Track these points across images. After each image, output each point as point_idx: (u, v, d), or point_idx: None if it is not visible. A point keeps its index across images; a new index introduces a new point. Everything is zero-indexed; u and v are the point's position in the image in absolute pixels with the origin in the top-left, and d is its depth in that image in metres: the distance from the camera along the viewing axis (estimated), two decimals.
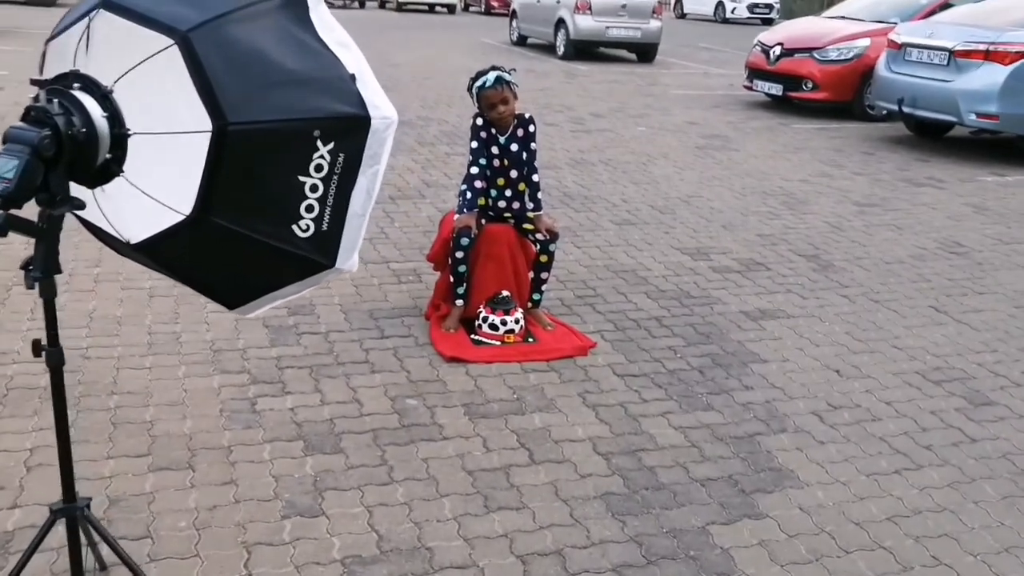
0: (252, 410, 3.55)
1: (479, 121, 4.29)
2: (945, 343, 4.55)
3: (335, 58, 2.13)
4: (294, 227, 2.12)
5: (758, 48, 12.41)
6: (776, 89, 11.95)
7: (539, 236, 4.35)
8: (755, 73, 12.35)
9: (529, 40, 19.88)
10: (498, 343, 4.22)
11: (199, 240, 2.06)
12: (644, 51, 17.72)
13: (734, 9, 32.18)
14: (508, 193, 4.39)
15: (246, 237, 2.07)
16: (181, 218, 2.01)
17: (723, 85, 14.62)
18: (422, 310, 4.58)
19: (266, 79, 2.01)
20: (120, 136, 1.94)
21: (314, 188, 2.10)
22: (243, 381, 3.77)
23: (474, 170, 4.26)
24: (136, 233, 2.08)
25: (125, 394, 3.62)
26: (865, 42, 11.21)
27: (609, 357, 4.17)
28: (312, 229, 2.14)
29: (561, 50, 17.35)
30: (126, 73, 1.94)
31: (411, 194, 6.83)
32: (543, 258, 4.39)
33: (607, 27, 16.90)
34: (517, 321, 4.28)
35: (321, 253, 2.19)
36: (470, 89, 4.26)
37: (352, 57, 2.16)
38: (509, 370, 4.00)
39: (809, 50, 11.59)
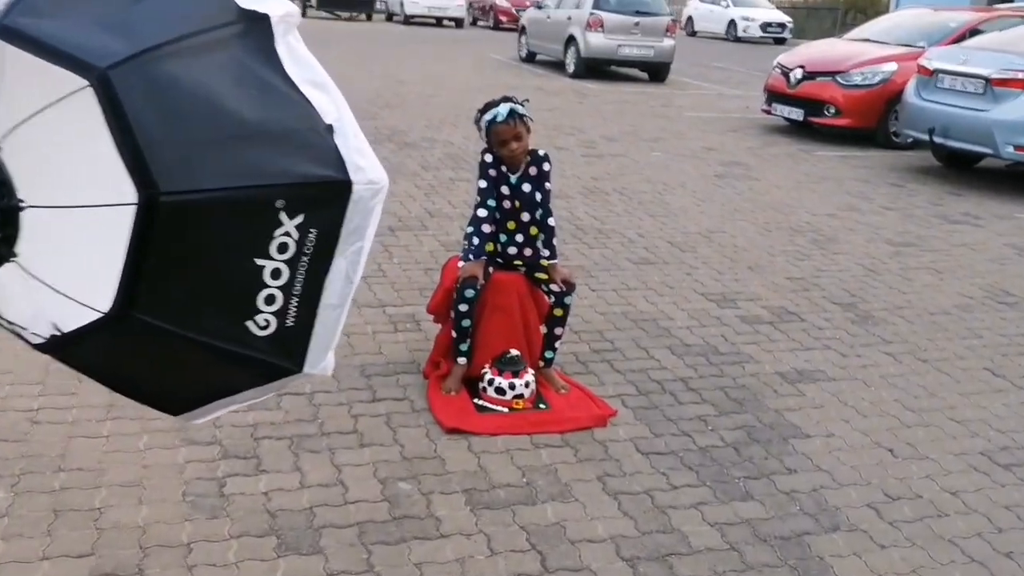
0: (220, 493, 3.06)
1: (488, 158, 3.81)
2: (1008, 415, 4.04)
3: (307, 104, 1.64)
4: (249, 324, 1.63)
5: (778, 70, 11.94)
6: (796, 114, 11.47)
7: (553, 287, 3.86)
8: (774, 96, 11.88)
9: (538, 57, 19.43)
10: (505, 410, 3.73)
11: (122, 343, 1.57)
12: (656, 70, 17.26)
13: (746, 28, 31.71)
14: (519, 238, 3.90)
15: (184, 338, 1.58)
16: (97, 317, 1.52)
17: (739, 107, 14.15)
18: (420, 366, 4.09)
19: (214, 133, 1.52)
20: (9, 210, 1.45)
21: (276, 274, 1.61)
22: (212, 455, 3.27)
23: (482, 212, 3.77)
24: (40, 330, 1.58)
25: (74, 471, 3.13)
26: (892, 67, 10.73)
27: (631, 429, 3.67)
28: (273, 326, 1.65)
29: (571, 68, 16.90)
30: (20, 124, 1.45)
31: (412, 225, 6.35)
32: (557, 312, 3.90)
33: (619, 45, 16.45)
34: (527, 384, 3.78)
35: (284, 355, 1.70)
36: (478, 122, 3.78)
37: (330, 102, 1.67)
38: (518, 444, 3.50)
39: (832, 74, 11.11)
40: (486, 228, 3.78)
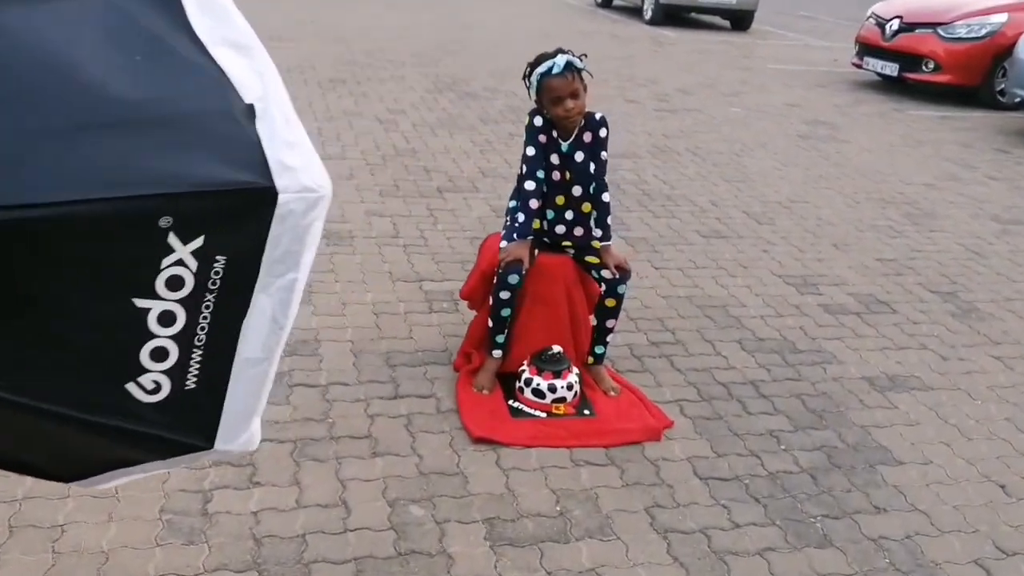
0: (203, 511, 2.62)
1: (537, 121, 3.26)
2: None
3: (220, 75, 1.12)
4: (131, 387, 1.15)
5: (872, 21, 11.02)
6: (891, 69, 10.57)
7: (605, 274, 3.32)
8: (867, 49, 10.98)
9: (615, 2, 18.55)
10: (543, 415, 3.22)
11: None
12: (739, 18, 16.28)
13: None
14: (569, 216, 3.36)
15: (28, 408, 1.09)
16: None
17: (826, 60, 13.22)
18: (452, 356, 3.60)
19: (63, 119, 1.03)
20: None
21: (168, 319, 1.13)
22: (203, 462, 2.83)
23: (529, 184, 3.24)
24: None
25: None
26: (1001, 17, 9.77)
27: (689, 446, 3.14)
28: (166, 389, 1.17)
29: (648, 14, 16.02)
30: None
31: (463, 186, 5.83)
32: (609, 302, 3.36)
33: None
34: (570, 387, 3.27)
35: (185, 428, 1.21)
36: (527, 77, 3.23)
37: (254, 72, 1.15)
38: (554, 459, 3.00)
39: (933, 25, 10.18)
40: (534, 203, 3.25)
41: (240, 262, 1.15)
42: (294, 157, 1.16)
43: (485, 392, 3.33)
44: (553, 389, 3.24)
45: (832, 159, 7.40)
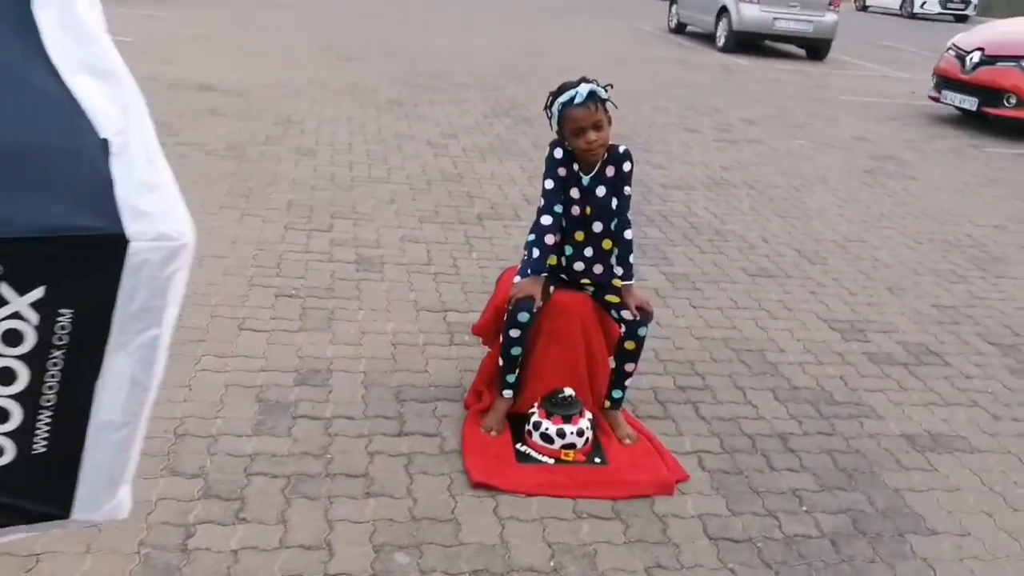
0: (183, 547, 2.53)
1: (557, 153, 3.13)
2: None
3: (73, 104, 1.02)
4: None
5: (951, 52, 10.64)
6: (970, 103, 10.17)
7: (625, 315, 3.16)
8: (945, 82, 10.59)
9: (688, 28, 18.35)
10: (551, 461, 3.07)
11: None
12: (815, 47, 15.93)
13: (924, 3, 29.38)
14: (588, 253, 3.21)
15: None
16: None
17: (903, 92, 12.82)
18: (465, 392, 3.47)
19: None
20: None
21: (6, 376, 1.01)
22: (192, 492, 2.75)
23: (545, 219, 3.11)
24: None
25: None
26: None
27: (703, 502, 2.95)
28: (10, 453, 1.06)
29: (721, 41, 15.79)
30: None
31: (504, 213, 5.72)
32: (628, 345, 3.20)
33: (775, 18, 15.22)
34: (581, 432, 3.11)
35: (37, 495, 1.10)
36: (548, 108, 3.10)
37: (115, 102, 1.04)
38: (556, 509, 2.84)
39: (1016, 59, 9.78)
40: (549, 239, 3.12)
41: (89, 317, 1.04)
42: (152, 201, 1.06)
43: (493, 434, 3.20)
44: (562, 434, 3.09)
45: (897, 196, 7.10)
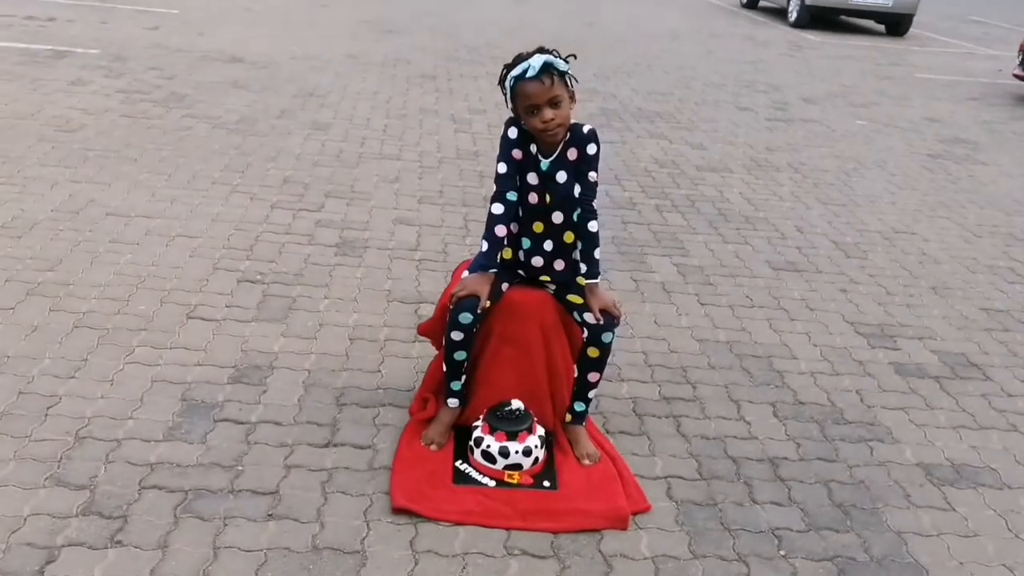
0: (38, 573, 2.21)
1: (512, 133, 2.72)
2: None
3: None
4: None
5: None
6: None
7: (588, 318, 2.74)
8: None
9: (761, 3, 17.55)
10: (491, 483, 2.68)
11: None
12: (895, 22, 15.02)
13: None
14: (548, 246, 2.79)
15: None
16: None
17: (988, 71, 11.96)
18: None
19: None
20: None
21: None
22: (71, 507, 2.44)
23: (497, 208, 2.70)
24: None
25: None
26: None
27: (662, 540, 2.53)
28: None
29: (793, 16, 15.01)
30: None
31: None
32: (592, 352, 2.77)
33: None
34: (528, 452, 2.71)
35: None
36: (503, 82, 2.68)
37: None
38: (485, 542, 2.45)
39: None
40: (500, 230, 2.71)
41: None
42: None
43: (433, 447, 2.81)
44: (505, 453, 2.69)
45: (960, 183, 6.48)
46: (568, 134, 2.70)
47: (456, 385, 2.85)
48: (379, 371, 3.27)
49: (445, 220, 4.79)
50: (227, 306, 3.63)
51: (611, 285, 4.17)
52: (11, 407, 2.84)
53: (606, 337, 2.75)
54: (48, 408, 2.84)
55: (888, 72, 11.26)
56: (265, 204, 4.78)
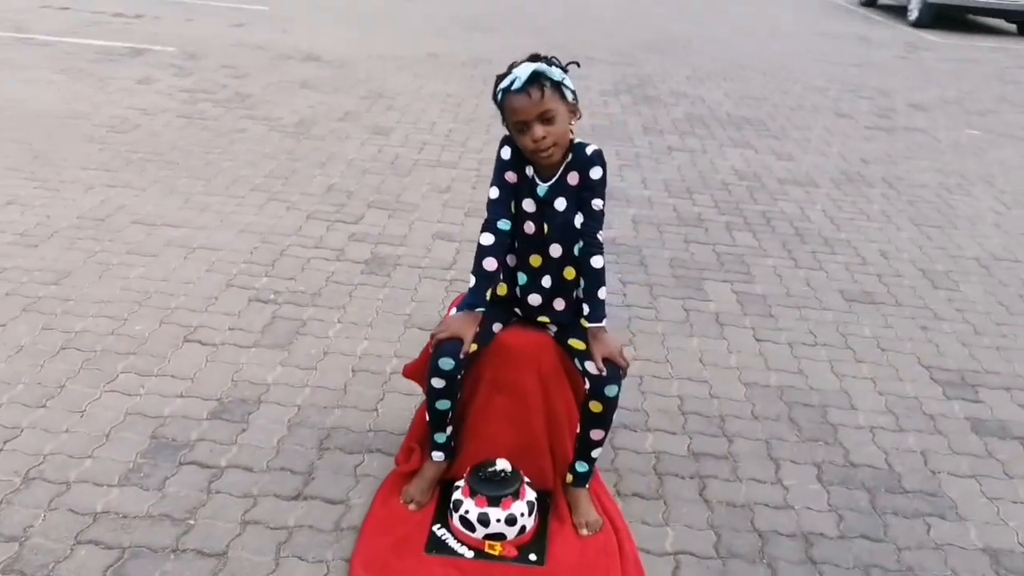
0: None
1: (505, 153, 2.38)
2: None
3: None
4: None
5: None
6: None
7: (589, 367, 2.37)
8: None
9: (880, 1, 16.62)
10: (469, 554, 2.34)
11: None
12: None
13: None
14: (546, 283, 2.44)
15: None
16: None
17: None
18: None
19: None
20: None
21: None
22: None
23: (486, 239, 2.38)
24: None
25: None
26: None
27: None
28: None
29: (914, 15, 14.11)
30: None
31: None
32: (595, 406, 2.40)
33: None
34: (512, 521, 2.36)
35: None
36: (495, 96, 2.34)
37: None
38: None
39: None
40: (489, 264, 2.37)
41: None
42: None
43: (412, 507, 2.50)
44: (485, 521, 2.35)
45: None
46: (570, 155, 2.34)
47: (441, 437, 2.52)
48: (375, 410, 2.97)
49: None
50: (230, 328, 3.39)
51: (658, 315, 3.78)
52: None
53: (610, 390, 2.37)
54: (5, 442, 2.64)
55: (1013, 76, 10.40)
56: (301, 214, 4.55)
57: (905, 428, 3.10)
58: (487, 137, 6.20)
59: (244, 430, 2.80)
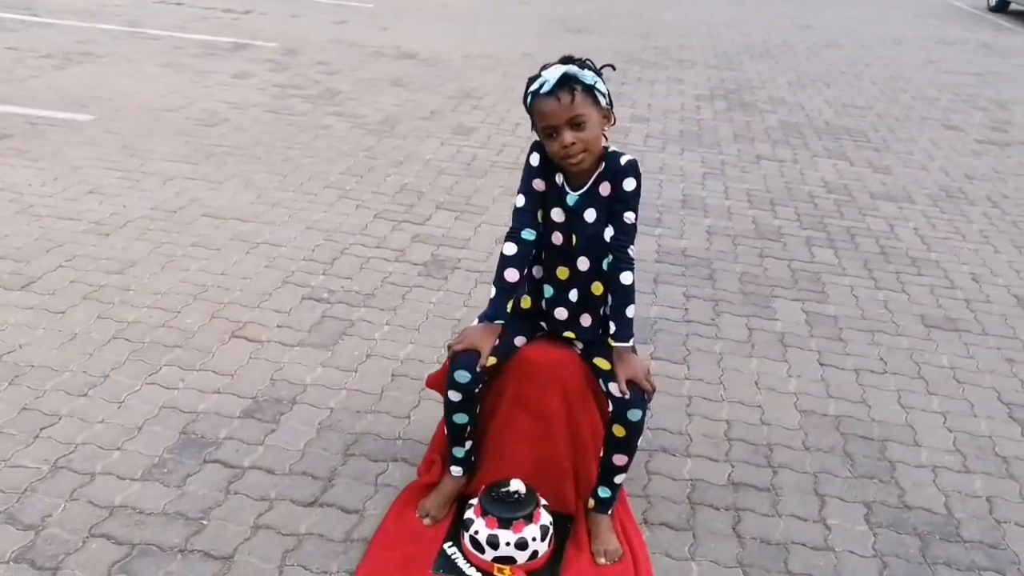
0: None
1: (534, 159, 2.29)
2: None
3: None
4: None
5: None
6: None
7: (612, 389, 2.26)
8: None
9: (1012, 6, 15.77)
10: (476, 575, 2.26)
11: None
12: None
13: None
14: (573, 296, 2.34)
15: None
16: None
17: None
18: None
19: None
20: None
21: None
22: (4, 552, 2.24)
23: (509, 248, 2.29)
24: None
25: None
26: None
27: None
28: None
29: None
30: None
31: (645, 215, 4.78)
32: (618, 430, 2.29)
33: None
34: (524, 545, 2.27)
35: None
36: (525, 100, 2.25)
37: None
38: None
39: None
40: (511, 275, 2.29)
41: None
42: None
43: (427, 521, 2.43)
44: (495, 543, 2.26)
45: None
46: (602, 164, 2.23)
47: (459, 452, 2.45)
48: (408, 417, 2.92)
49: None
50: (278, 326, 3.39)
51: (718, 332, 3.62)
52: (6, 424, 2.70)
53: (633, 414, 2.26)
54: (42, 429, 2.69)
55: None
56: (369, 213, 4.54)
57: (972, 470, 2.87)
58: None
59: (273, 431, 2.78)
